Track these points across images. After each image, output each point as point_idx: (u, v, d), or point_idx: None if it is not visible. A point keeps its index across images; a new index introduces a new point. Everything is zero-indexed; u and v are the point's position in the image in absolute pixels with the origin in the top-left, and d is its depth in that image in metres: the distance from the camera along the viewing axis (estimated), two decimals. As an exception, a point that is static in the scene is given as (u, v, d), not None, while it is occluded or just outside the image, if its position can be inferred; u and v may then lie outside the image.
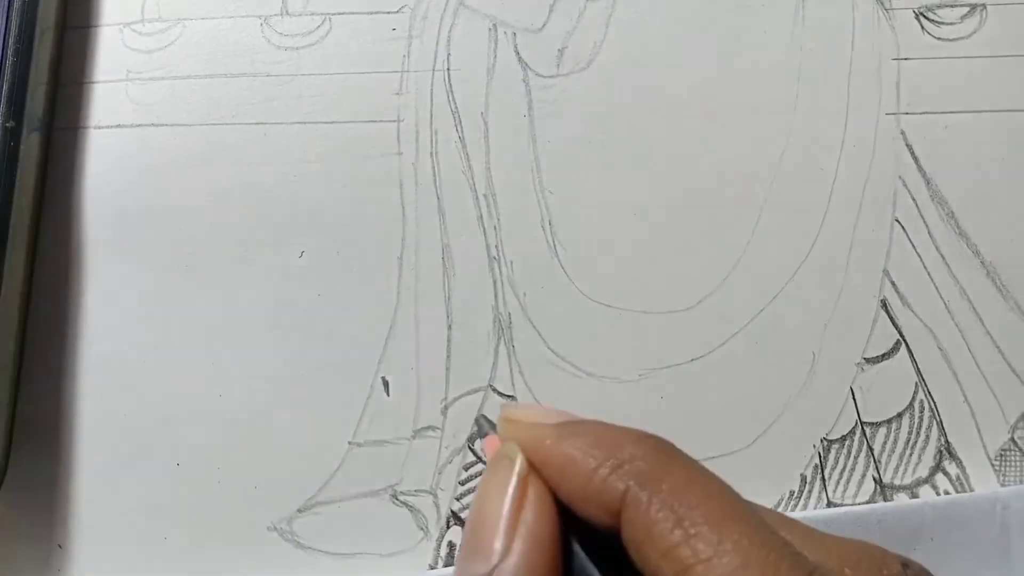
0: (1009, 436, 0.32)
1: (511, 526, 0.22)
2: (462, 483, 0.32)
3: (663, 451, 0.22)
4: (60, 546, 0.32)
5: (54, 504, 0.32)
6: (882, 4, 0.34)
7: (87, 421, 0.32)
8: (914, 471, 0.32)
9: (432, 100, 0.34)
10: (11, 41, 0.32)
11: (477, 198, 0.33)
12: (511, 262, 0.33)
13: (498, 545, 0.22)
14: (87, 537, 0.32)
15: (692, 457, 0.22)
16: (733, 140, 0.33)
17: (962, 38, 0.33)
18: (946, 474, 0.32)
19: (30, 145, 0.32)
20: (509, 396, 0.32)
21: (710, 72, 0.34)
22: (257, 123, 0.34)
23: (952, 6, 0.33)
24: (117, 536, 0.32)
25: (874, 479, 0.32)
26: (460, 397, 0.32)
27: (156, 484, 0.32)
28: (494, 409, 0.32)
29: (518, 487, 0.23)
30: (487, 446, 0.27)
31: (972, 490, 0.32)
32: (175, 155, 0.34)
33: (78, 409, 0.32)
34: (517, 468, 0.23)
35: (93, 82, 0.34)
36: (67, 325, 0.33)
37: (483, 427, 0.29)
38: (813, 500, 0.32)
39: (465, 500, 0.32)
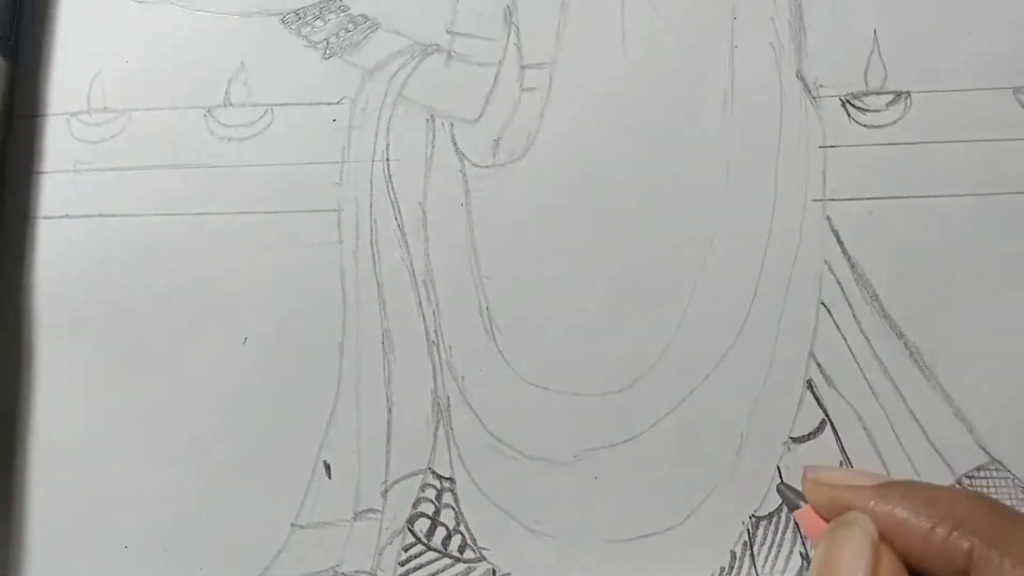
0: (932, 512, 0.34)
1: None
2: (402, 564, 0.34)
3: (998, 509, 0.24)
4: (9, 631, 0.34)
5: None
6: (810, 92, 0.36)
7: (37, 504, 0.35)
8: (840, 547, 0.34)
9: (372, 189, 0.36)
10: (-41, 136, 0.34)
11: (416, 284, 0.35)
12: (450, 347, 0.35)
13: None
14: (36, 620, 0.34)
15: None
16: (664, 227, 0.35)
17: (887, 125, 0.36)
18: (871, 549, 0.34)
19: None
20: (448, 479, 0.34)
21: (642, 161, 0.36)
22: (202, 213, 0.36)
23: (878, 93, 0.36)
24: None
25: (801, 554, 0.34)
26: (400, 480, 0.34)
27: (105, 566, 0.34)
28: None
29: (871, 551, 0.25)
30: (803, 519, 0.30)
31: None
32: (123, 245, 0.36)
33: (28, 492, 0.35)
34: (871, 535, 0.25)
35: (41, 172, 0.36)
36: (17, 410, 0.35)
37: (791, 499, 0.31)
38: (744, 575, 0.34)
39: (405, 580, 0.34)
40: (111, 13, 0.37)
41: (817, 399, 0.35)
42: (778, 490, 0.34)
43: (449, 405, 0.35)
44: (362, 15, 0.37)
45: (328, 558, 0.34)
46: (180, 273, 0.35)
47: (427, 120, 0.36)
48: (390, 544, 0.34)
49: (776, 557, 0.34)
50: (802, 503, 0.30)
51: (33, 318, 0.35)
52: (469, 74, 0.37)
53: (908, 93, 0.36)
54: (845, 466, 0.33)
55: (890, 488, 0.26)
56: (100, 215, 0.36)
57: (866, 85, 0.36)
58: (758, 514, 0.34)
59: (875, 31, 0.36)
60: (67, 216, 0.36)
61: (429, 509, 0.34)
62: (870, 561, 0.25)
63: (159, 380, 0.35)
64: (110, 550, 0.34)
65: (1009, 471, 0.34)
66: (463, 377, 0.35)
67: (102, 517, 0.34)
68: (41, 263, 0.36)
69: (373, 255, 0.36)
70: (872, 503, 0.26)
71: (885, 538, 0.25)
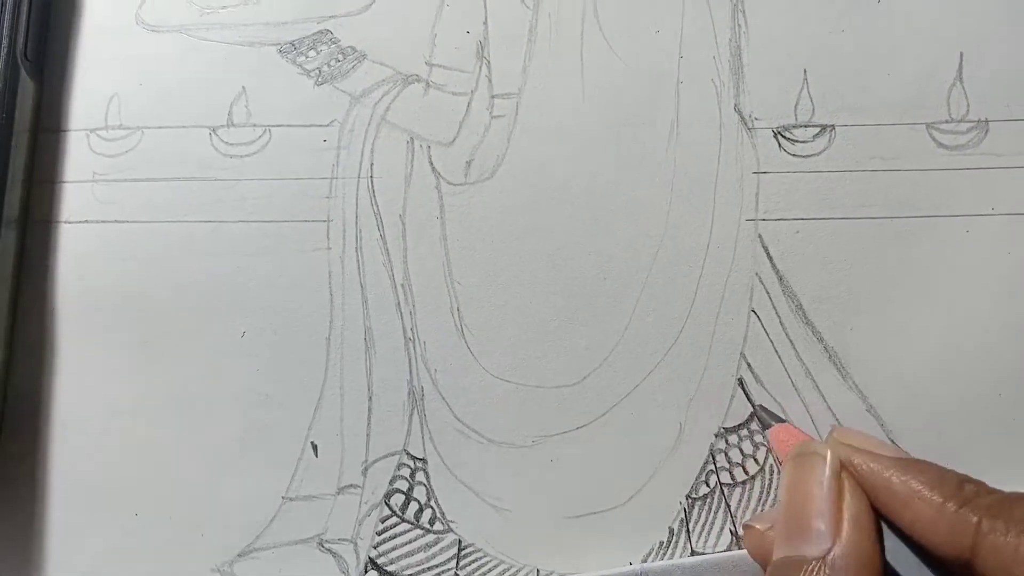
0: (846, 495, 0.40)
1: (836, 513, 0.27)
2: (379, 533, 0.39)
3: (998, 491, 0.27)
4: (35, 583, 0.39)
5: (31, 545, 0.39)
6: (746, 124, 0.41)
7: (61, 477, 0.40)
8: (764, 525, 0.40)
9: (357, 203, 0.41)
10: (-9, 145, 0.39)
11: (395, 287, 0.41)
12: (424, 342, 0.40)
13: (826, 529, 0.26)
14: (59, 575, 0.39)
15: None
16: (615, 240, 0.40)
17: (813, 155, 0.40)
18: (791, 527, 0.40)
19: (8, 238, 0.40)
20: (421, 459, 0.39)
21: (596, 181, 0.41)
22: (206, 221, 0.41)
23: (806, 126, 0.41)
24: (84, 574, 0.39)
25: (731, 531, 0.38)
26: (378, 460, 0.39)
27: (118, 531, 0.39)
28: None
29: (834, 479, 0.27)
30: (775, 438, 0.33)
31: (813, 541, 0.39)
32: (136, 248, 0.41)
33: (52, 467, 0.40)
34: (830, 463, 0.28)
35: (64, 182, 0.41)
36: (42, 395, 0.40)
37: (766, 420, 0.35)
38: (679, 549, 0.38)
39: (381, 548, 0.39)
40: (127, 41, 0.42)
41: (747, 394, 0.39)
42: (756, 413, 0.38)
43: (423, 395, 0.40)
44: (351, 47, 0.42)
45: (314, 527, 0.39)
46: (186, 273, 0.41)
47: (407, 142, 0.41)
48: (369, 516, 0.39)
49: (709, 534, 0.38)
50: (774, 423, 0.34)
51: (55, 312, 0.41)
52: (445, 102, 0.42)
53: (833, 127, 0.40)
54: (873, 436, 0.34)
55: (908, 464, 0.28)
56: (116, 221, 0.41)
57: (796, 119, 0.41)
58: (694, 495, 0.39)
59: (805, 71, 0.41)
60: (86, 221, 0.41)
61: (404, 486, 0.39)
62: (829, 483, 0.27)
63: (167, 367, 0.40)
64: (122, 516, 0.39)
65: (915, 461, 0.39)
66: (435, 370, 0.40)
67: (115, 487, 0.39)
68: (63, 263, 0.41)
69: (358, 261, 0.41)
70: (894, 476, 0.27)
71: (903, 508, 0.27)
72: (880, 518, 0.28)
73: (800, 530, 0.27)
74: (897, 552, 0.28)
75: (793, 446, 0.31)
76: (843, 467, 0.28)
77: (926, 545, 0.27)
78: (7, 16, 0.39)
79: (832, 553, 0.26)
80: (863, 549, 0.26)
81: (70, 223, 0.41)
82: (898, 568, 0.27)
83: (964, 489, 0.26)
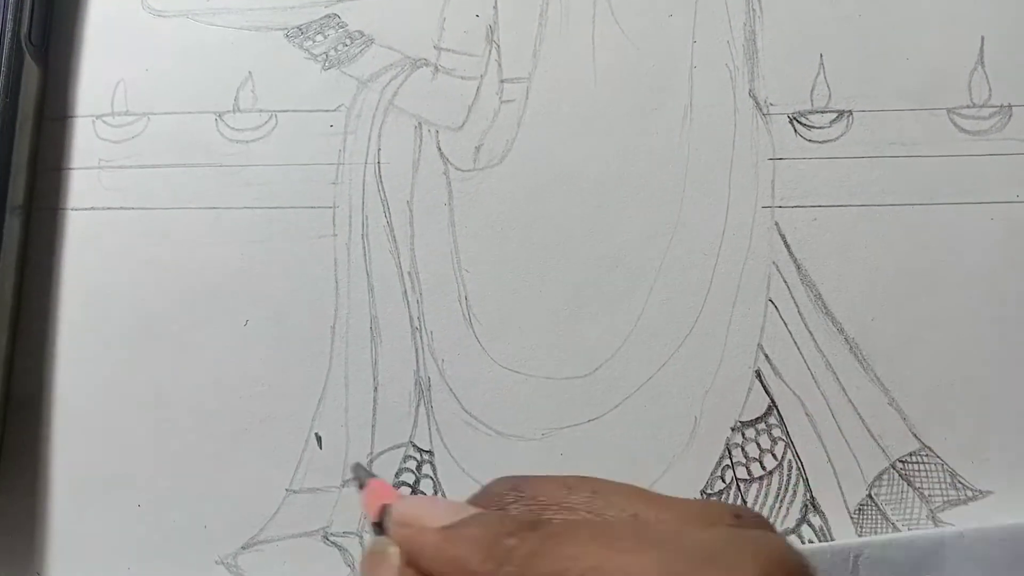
0: (867, 493, 0.38)
1: None
2: None
3: (537, 530, 0.23)
4: (38, 573, 0.39)
5: (33, 537, 0.39)
6: (760, 109, 0.40)
7: (63, 468, 0.40)
8: (782, 522, 0.38)
9: (364, 189, 0.41)
10: (-5, 131, 0.39)
11: (402, 275, 0.40)
12: (431, 332, 0.40)
13: None
14: (61, 567, 0.39)
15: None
16: (627, 228, 0.40)
17: (830, 140, 0.40)
18: (811, 525, 0.38)
19: (12, 226, 0.40)
20: (427, 452, 0.39)
21: (608, 167, 0.40)
22: (211, 207, 0.41)
23: (822, 112, 0.40)
24: (87, 566, 0.39)
25: None
26: (384, 452, 0.39)
27: (121, 522, 0.39)
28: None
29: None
30: (367, 500, 0.28)
31: (833, 540, 0.38)
32: (141, 235, 0.41)
33: (55, 457, 0.40)
34: (397, 565, 0.24)
35: (69, 168, 0.41)
36: (46, 383, 0.40)
37: (361, 477, 0.31)
38: None
39: (386, 542, 0.39)
40: (133, 26, 0.42)
41: (764, 387, 0.39)
42: (353, 469, 0.34)
43: (430, 385, 0.40)
44: (358, 31, 0.42)
45: (319, 520, 0.39)
46: (191, 261, 0.40)
47: (415, 127, 0.41)
48: (374, 509, 0.39)
49: (724, 530, 0.39)
50: (370, 480, 0.30)
51: (59, 299, 0.40)
52: (454, 86, 0.41)
53: (850, 112, 0.40)
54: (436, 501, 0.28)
55: (451, 531, 0.24)
56: (122, 207, 0.41)
57: (812, 104, 0.40)
58: (709, 491, 0.38)
59: (821, 55, 0.40)
60: (92, 208, 0.41)
61: (410, 479, 0.39)
62: None
63: (169, 357, 0.40)
64: (125, 509, 0.39)
65: (939, 456, 0.38)
66: (443, 360, 0.40)
67: (118, 478, 0.39)
68: (68, 251, 0.41)
69: (364, 248, 0.40)
70: (433, 546, 0.24)
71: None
72: None
73: None
74: None
75: (368, 541, 0.29)
76: (411, 561, 0.25)
77: None
78: (12, -1, 0.39)
79: None
80: None
81: (76, 210, 0.41)
82: None
83: (500, 546, 0.23)
